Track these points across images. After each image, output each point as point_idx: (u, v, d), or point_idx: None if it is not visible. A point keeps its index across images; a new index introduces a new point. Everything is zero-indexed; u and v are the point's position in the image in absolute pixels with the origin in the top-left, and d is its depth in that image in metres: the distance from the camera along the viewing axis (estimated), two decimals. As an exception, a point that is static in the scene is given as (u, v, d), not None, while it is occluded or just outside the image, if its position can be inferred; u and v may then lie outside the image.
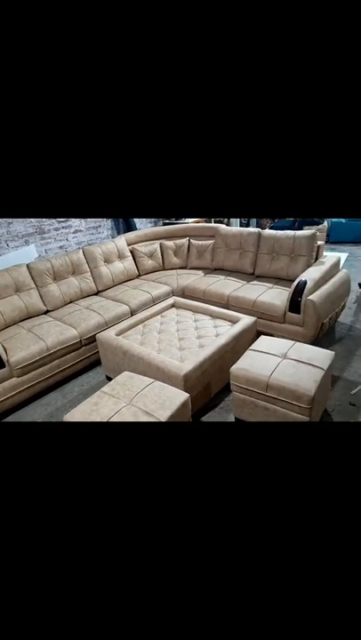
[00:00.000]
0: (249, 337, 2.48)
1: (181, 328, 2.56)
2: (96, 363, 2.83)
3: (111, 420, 1.65)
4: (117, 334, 2.50)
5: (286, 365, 1.89)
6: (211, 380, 2.22)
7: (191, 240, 3.79)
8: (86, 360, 2.79)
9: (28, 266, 2.97)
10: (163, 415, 1.66)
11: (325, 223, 5.41)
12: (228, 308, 2.86)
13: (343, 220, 5.33)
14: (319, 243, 3.04)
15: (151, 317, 2.77)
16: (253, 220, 6.00)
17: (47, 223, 3.84)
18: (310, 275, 2.68)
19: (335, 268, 2.95)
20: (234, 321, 2.55)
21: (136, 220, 4.83)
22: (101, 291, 3.39)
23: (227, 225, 4.80)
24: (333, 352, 2.00)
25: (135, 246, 3.75)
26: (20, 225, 3.60)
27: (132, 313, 3.02)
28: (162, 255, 3.82)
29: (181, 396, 1.79)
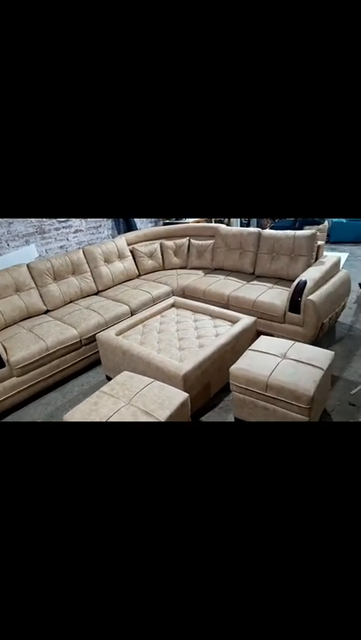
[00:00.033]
0: (249, 337, 2.48)
1: (181, 328, 2.56)
2: (96, 362, 2.83)
3: (110, 419, 1.65)
4: (117, 334, 2.51)
5: (286, 365, 1.89)
6: (210, 380, 2.22)
7: (191, 240, 3.79)
8: (86, 360, 2.79)
9: (28, 265, 2.98)
10: (162, 415, 1.66)
11: (326, 223, 5.41)
12: (228, 308, 2.86)
13: (344, 220, 5.32)
14: (319, 243, 3.04)
15: (151, 317, 2.77)
16: (254, 220, 6.00)
17: (48, 223, 3.84)
18: (310, 275, 2.68)
19: (335, 267, 2.95)
20: (234, 321, 2.55)
21: (136, 219, 4.84)
22: (101, 290, 3.39)
23: (227, 225, 4.80)
24: (333, 352, 2.00)
25: (135, 246, 3.75)
26: (21, 225, 3.60)
27: (132, 313, 3.02)
28: (162, 255, 3.82)
29: (180, 396, 1.79)
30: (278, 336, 2.60)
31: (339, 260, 3.03)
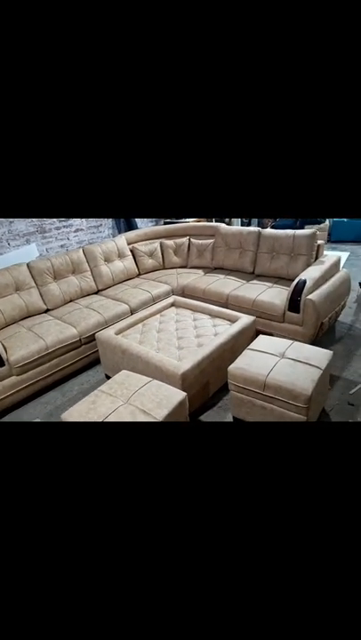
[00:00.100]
0: (248, 336, 2.48)
1: (180, 327, 2.56)
2: (96, 361, 2.84)
3: (108, 418, 1.66)
4: (117, 333, 2.51)
5: (284, 365, 1.89)
6: (209, 380, 2.22)
7: (191, 239, 3.79)
8: (86, 359, 2.80)
9: (28, 265, 2.98)
10: (160, 414, 1.66)
11: (327, 222, 5.40)
12: (227, 308, 2.86)
13: (345, 219, 5.31)
14: (319, 242, 3.03)
15: (151, 316, 2.78)
16: (255, 219, 5.99)
17: (48, 222, 3.85)
18: (310, 274, 2.68)
19: (335, 267, 2.95)
20: (233, 320, 2.55)
21: (137, 219, 4.84)
22: (101, 290, 3.40)
23: (228, 224, 4.80)
24: (332, 352, 2.00)
25: (135, 245, 3.76)
26: (22, 224, 3.61)
27: (132, 312, 3.02)
28: (162, 254, 3.82)
29: (179, 395, 1.79)
30: (278, 335, 2.60)
31: (339, 260, 3.02)
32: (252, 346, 2.11)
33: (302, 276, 2.65)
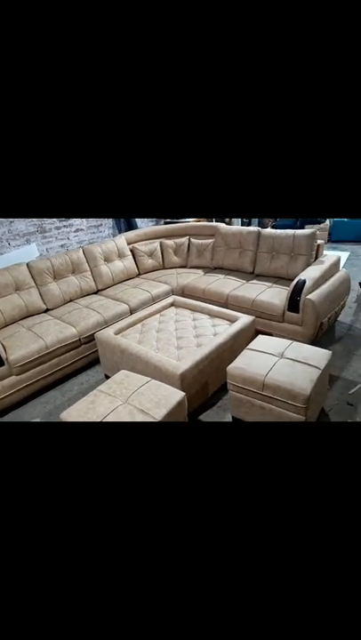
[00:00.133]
0: (247, 336, 2.48)
1: (180, 327, 2.56)
2: (95, 361, 2.84)
3: (107, 417, 1.66)
4: (116, 333, 2.51)
5: (283, 365, 1.89)
6: (208, 379, 2.22)
7: (191, 239, 3.79)
8: (85, 358, 2.80)
9: (27, 264, 2.99)
10: (158, 414, 1.67)
11: (327, 222, 5.39)
12: (227, 308, 2.86)
13: (345, 219, 5.30)
14: (319, 242, 3.03)
15: (150, 316, 2.78)
16: (255, 219, 5.99)
17: (48, 222, 3.86)
18: (309, 274, 2.68)
19: (335, 267, 2.94)
20: (232, 320, 2.55)
21: (137, 219, 4.84)
22: (101, 289, 3.40)
23: (228, 224, 4.79)
24: (330, 351, 1.99)
25: (135, 245, 3.76)
26: (22, 224, 3.62)
27: (132, 312, 3.03)
28: (162, 254, 3.82)
29: (177, 395, 1.79)
30: (277, 335, 2.60)
31: (338, 260, 3.02)
32: (250, 346, 2.11)
33: (302, 276, 2.64)
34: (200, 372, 2.10)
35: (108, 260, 3.47)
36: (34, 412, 2.43)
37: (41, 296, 3.00)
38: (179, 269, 3.74)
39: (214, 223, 3.97)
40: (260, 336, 2.22)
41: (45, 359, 2.52)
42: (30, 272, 2.97)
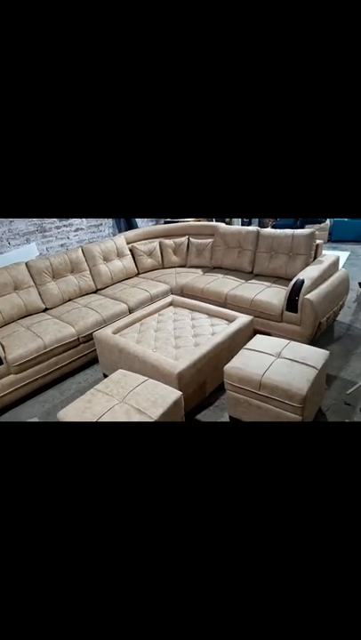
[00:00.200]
0: (246, 336, 2.48)
1: (178, 327, 2.56)
2: (94, 360, 2.84)
3: (103, 417, 1.66)
4: (114, 332, 2.52)
5: (280, 364, 1.89)
6: (206, 379, 2.22)
7: (190, 238, 3.79)
8: (84, 358, 2.81)
9: (26, 264, 2.99)
10: (155, 413, 1.67)
11: (327, 222, 5.38)
12: (226, 307, 2.86)
13: (345, 219, 5.29)
14: (318, 241, 3.02)
15: (149, 316, 2.78)
16: (255, 219, 5.98)
17: (48, 221, 3.86)
18: (308, 274, 2.67)
19: (334, 266, 2.94)
20: (230, 320, 2.55)
21: (137, 218, 4.84)
22: (100, 289, 3.41)
23: (228, 224, 4.79)
24: (328, 351, 1.99)
25: (135, 244, 3.76)
26: (22, 223, 3.62)
27: (130, 311, 3.03)
28: (161, 253, 3.82)
29: (174, 394, 1.79)
30: (276, 335, 2.60)
31: (337, 259, 3.01)
32: (248, 345, 2.11)
33: (300, 276, 2.64)
34: (198, 371, 2.11)
35: (107, 259, 3.47)
36: (32, 411, 2.44)
37: (40, 295, 3.00)
38: (178, 269, 3.74)
39: (214, 223, 3.97)
40: (257, 336, 2.22)
41: (44, 358, 2.53)
42: (29, 271, 2.98)
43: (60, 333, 2.61)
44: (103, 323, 2.83)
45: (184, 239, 3.81)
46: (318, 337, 2.75)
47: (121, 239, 3.65)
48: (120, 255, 3.58)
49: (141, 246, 3.76)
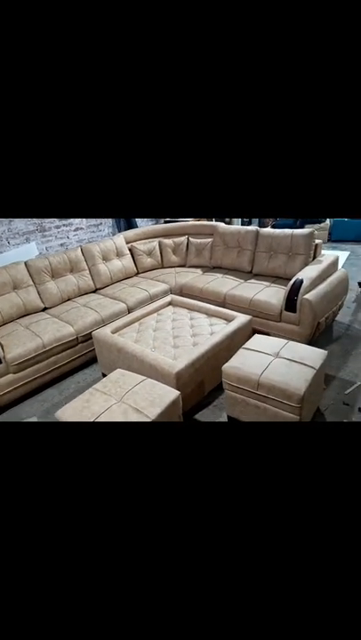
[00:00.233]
0: (244, 335, 2.48)
1: (177, 326, 2.57)
2: (93, 360, 2.84)
3: (101, 416, 1.66)
4: (113, 332, 2.52)
5: (278, 364, 1.89)
6: (204, 379, 2.22)
7: (190, 238, 3.79)
8: (83, 357, 2.81)
9: (26, 263, 2.99)
10: (153, 412, 1.67)
11: (327, 221, 5.37)
12: (225, 307, 2.86)
13: (345, 219, 5.29)
14: (317, 241, 3.02)
15: (148, 315, 2.78)
16: (255, 219, 5.98)
17: (48, 221, 3.86)
18: (307, 273, 2.67)
19: (333, 266, 2.94)
20: (229, 319, 2.55)
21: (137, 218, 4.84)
22: (99, 288, 3.41)
23: (228, 223, 4.79)
24: (326, 351, 1.99)
25: (134, 244, 3.76)
26: (21, 223, 3.63)
27: (130, 311, 3.03)
28: (161, 253, 3.82)
29: (172, 394, 1.80)
30: (275, 335, 2.60)
31: (337, 259, 3.01)
32: (246, 345, 2.11)
33: (299, 276, 2.64)
34: (196, 371, 2.11)
35: (106, 258, 3.47)
36: (31, 410, 2.44)
37: (39, 295, 3.01)
38: (177, 268, 3.74)
39: (213, 223, 3.96)
40: (256, 335, 2.23)
41: (43, 357, 2.53)
42: (28, 271, 2.98)
43: (58, 333, 2.61)
44: (102, 322, 2.83)
45: (183, 239, 3.80)
46: (317, 337, 2.75)
47: (120, 239, 3.65)
48: (119, 255, 3.58)
49: (141, 246, 3.76)
